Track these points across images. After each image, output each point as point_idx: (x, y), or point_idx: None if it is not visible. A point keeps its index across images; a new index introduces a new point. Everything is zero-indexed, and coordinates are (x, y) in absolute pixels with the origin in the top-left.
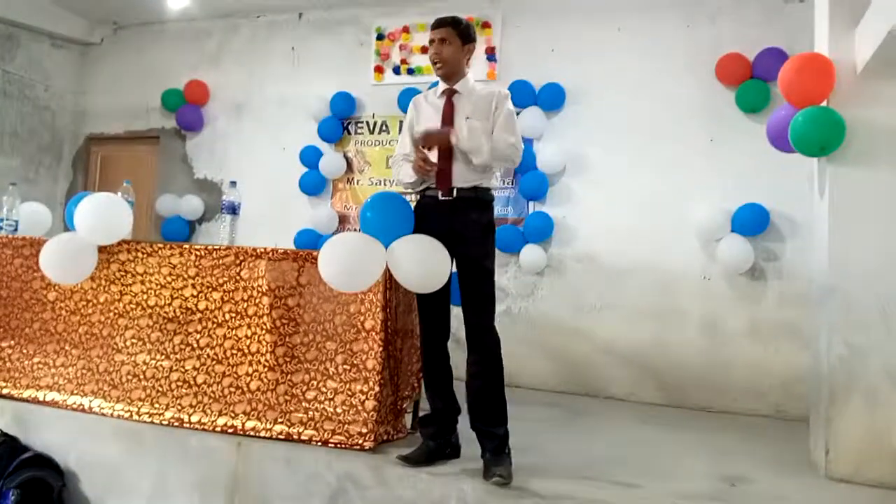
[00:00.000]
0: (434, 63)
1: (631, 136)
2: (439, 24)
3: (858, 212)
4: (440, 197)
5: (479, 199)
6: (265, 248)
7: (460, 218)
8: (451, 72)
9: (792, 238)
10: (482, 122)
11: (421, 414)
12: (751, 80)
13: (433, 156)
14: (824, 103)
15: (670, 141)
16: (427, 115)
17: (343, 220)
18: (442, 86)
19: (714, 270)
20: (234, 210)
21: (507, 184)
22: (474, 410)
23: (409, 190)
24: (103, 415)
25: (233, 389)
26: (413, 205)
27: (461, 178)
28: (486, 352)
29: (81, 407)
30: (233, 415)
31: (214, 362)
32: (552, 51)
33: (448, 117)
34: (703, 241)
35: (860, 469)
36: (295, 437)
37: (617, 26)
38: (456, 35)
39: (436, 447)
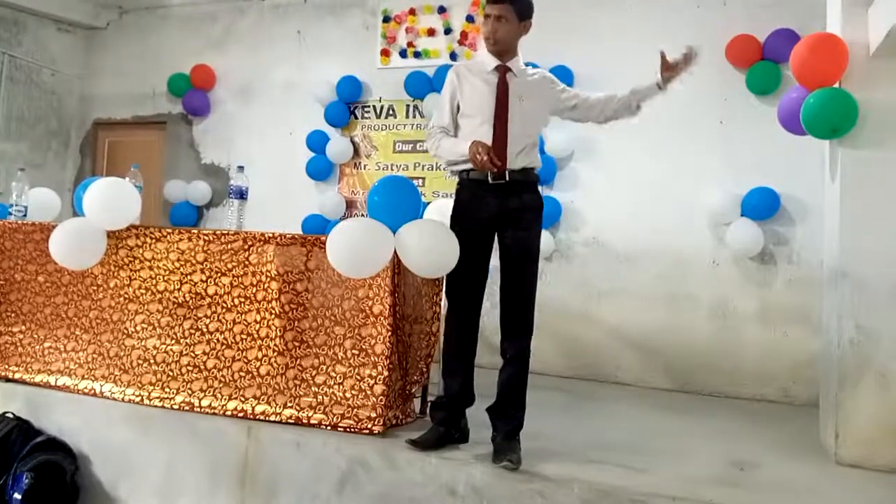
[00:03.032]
0: (488, 39)
1: (639, 119)
2: None
3: (870, 194)
4: (490, 180)
5: (528, 181)
6: (273, 233)
7: (513, 200)
8: (505, 49)
9: (802, 222)
10: (534, 103)
11: (430, 399)
12: (762, 61)
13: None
14: (837, 85)
15: (679, 124)
16: (477, 89)
17: (350, 205)
18: (492, 61)
19: (723, 255)
20: (241, 195)
21: None
22: (503, 393)
23: (451, 168)
24: (114, 399)
25: (243, 374)
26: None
27: (514, 160)
28: (526, 337)
29: (93, 391)
30: (243, 399)
31: (224, 347)
32: (561, 33)
33: (503, 97)
34: (713, 225)
35: (870, 454)
36: (304, 421)
37: (626, 7)
38: (513, 12)
39: (445, 432)
